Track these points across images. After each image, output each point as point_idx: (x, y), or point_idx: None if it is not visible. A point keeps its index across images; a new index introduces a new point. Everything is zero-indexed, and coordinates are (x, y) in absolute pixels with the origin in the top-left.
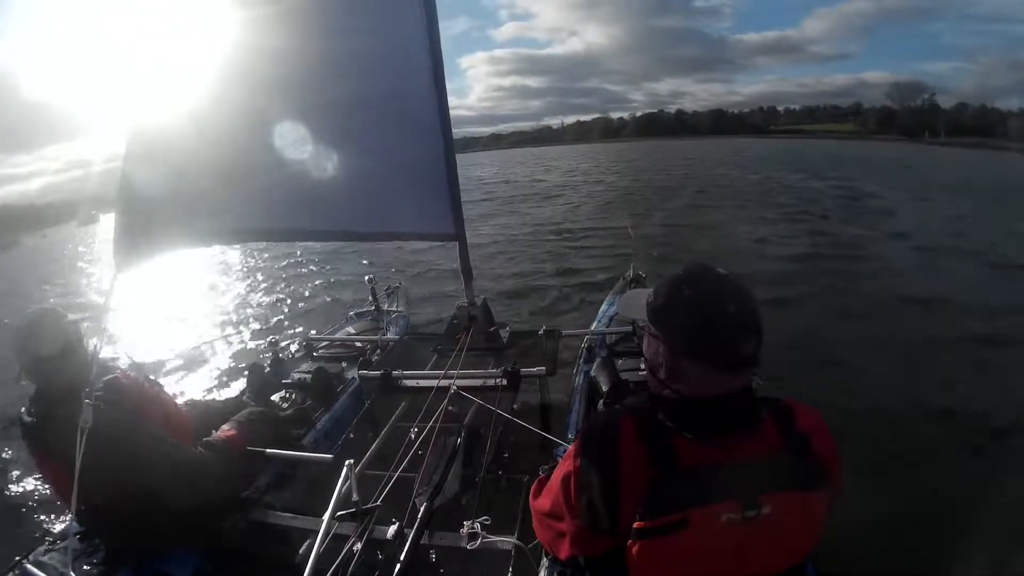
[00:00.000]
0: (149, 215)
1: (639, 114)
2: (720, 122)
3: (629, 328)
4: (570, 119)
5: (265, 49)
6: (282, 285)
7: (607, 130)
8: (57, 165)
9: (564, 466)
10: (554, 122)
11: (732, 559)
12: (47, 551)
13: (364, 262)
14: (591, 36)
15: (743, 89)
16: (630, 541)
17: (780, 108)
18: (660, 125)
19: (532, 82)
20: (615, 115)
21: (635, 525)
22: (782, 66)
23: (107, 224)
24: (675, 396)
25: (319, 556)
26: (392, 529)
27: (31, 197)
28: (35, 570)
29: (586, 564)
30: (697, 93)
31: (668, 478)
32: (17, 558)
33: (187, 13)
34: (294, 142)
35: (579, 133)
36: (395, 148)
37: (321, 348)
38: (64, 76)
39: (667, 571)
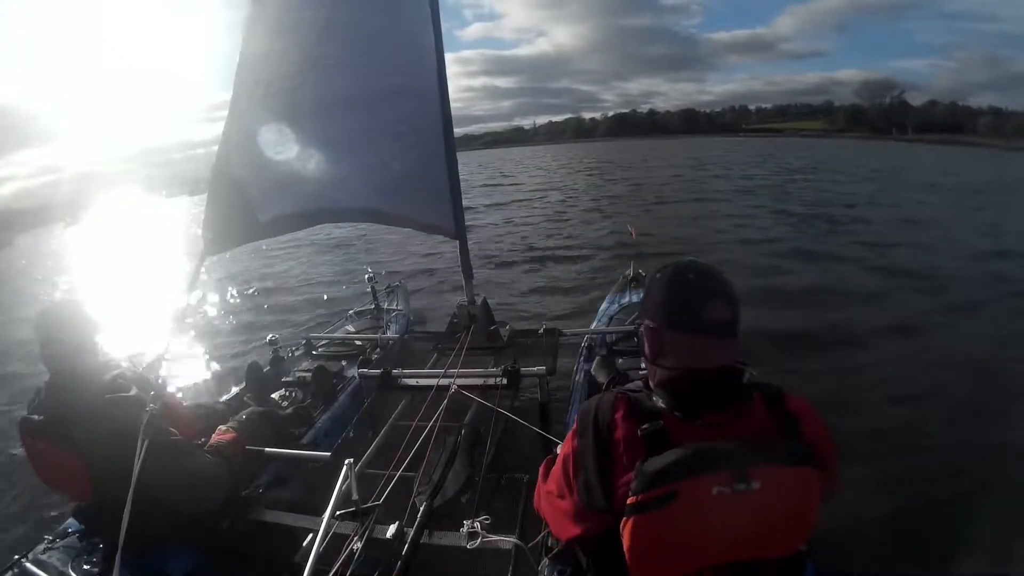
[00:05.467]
0: (233, 208)
1: (611, 114)
2: (692, 122)
3: (629, 327)
4: (542, 119)
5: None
6: (282, 284)
7: (579, 130)
8: (28, 170)
9: (564, 447)
10: (526, 123)
11: (725, 535)
12: (47, 550)
13: (365, 261)
14: (559, 36)
15: (714, 88)
16: (624, 518)
17: (752, 107)
18: (632, 125)
19: (502, 83)
20: (587, 115)
21: (628, 501)
22: (753, 64)
23: (90, 225)
24: (665, 373)
25: (319, 555)
26: (392, 528)
27: (6, 201)
28: (35, 569)
29: (587, 552)
30: (668, 92)
31: (659, 454)
32: (17, 557)
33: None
34: (317, 136)
35: (551, 134)
36: (400, 145)
37: (321, 346)
38: (33, 80)
39: (660, 547)
